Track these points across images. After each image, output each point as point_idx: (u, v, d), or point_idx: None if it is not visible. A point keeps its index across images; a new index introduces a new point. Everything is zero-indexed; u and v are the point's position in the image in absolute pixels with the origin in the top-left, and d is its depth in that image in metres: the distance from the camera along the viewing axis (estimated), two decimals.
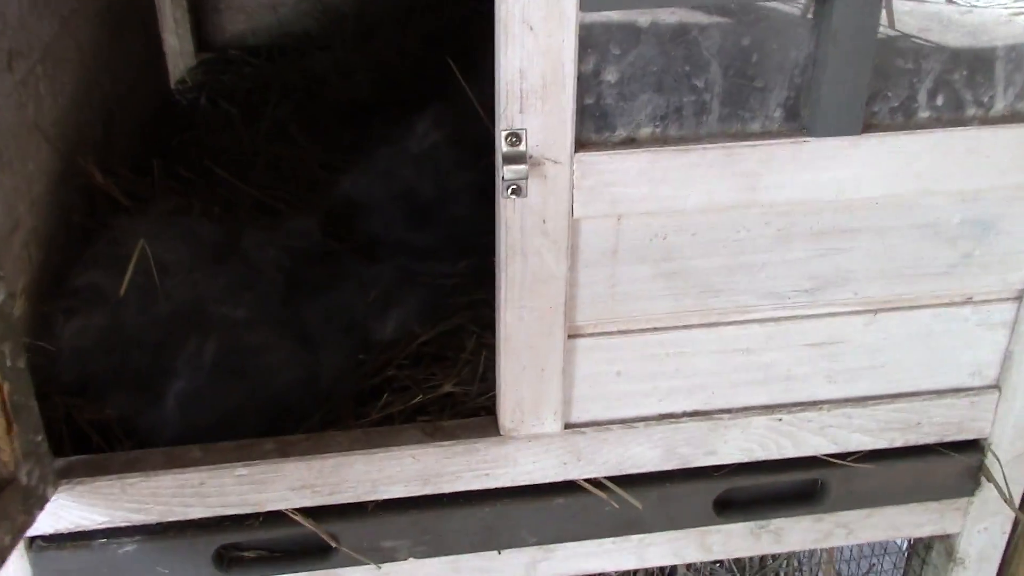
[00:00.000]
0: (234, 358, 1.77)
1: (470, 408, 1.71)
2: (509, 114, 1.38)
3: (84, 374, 1.77)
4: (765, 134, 1.46)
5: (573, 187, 1.43)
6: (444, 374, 1.80)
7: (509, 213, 1.45)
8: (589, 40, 1.36)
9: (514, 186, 1.41)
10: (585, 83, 1.39)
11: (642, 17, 1.37)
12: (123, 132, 2.45)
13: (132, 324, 1.80)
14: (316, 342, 1.83)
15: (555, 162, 1.41)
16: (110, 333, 1.79)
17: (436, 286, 1.97)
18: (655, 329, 1.59)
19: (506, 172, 1.39)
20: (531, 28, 1.32)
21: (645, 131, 1.44)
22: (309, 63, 2.98)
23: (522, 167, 1.39)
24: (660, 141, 1.45)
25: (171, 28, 3.18)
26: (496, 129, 1.41)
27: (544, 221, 1.46)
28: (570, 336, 1.56)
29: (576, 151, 1.41)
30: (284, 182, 2.40)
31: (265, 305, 1.85)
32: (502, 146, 1.39)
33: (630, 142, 1.45)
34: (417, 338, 1.87)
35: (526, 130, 1.38)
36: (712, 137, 1.45)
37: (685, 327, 1.59)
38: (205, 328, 1.80)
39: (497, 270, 1.51)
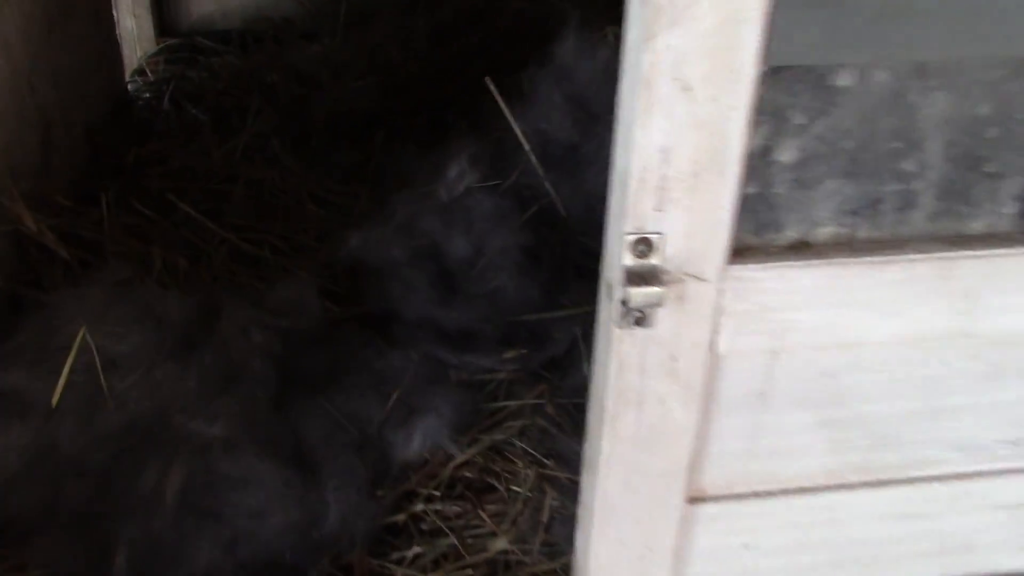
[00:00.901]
0: (207, 494, 1.30)
1: None
2: (638, 212, 0.91)
3: (1, 512, 1.29)
4: (991, 238, 1.01)
5: (720, 313, 0.98)
6: (491, 513, 1.34)
7: (624, 348, 0.99)
8: (762, 105, 0.90)
9: (638, 314, 0.95)
10: (750, 166, 0.93)
11: (844, 73, 0.91)
12: (65, 147, 1.95)
13: (69, 444, 1.33)
14: (317, 468, 1.37)
15: (699, 279, 0.95)
16: (38, 456, 1.32)
17: (475, 385, 1.51)
18: (802, 490, 1.15)
19: (630, 296, 0.93)
20: (687, 89, 0.85)
21: (825, 232, 0.99)
22: (292, 57, 2.48)
23: (653, 290, 0.93)
24: (845, 247, 1.00)
25: (128, 8, 2.67)
26: (611, 230, 0.96)
27: (674, 358, 1.00)
28: (690, 501, 1.12)
29: (729, 262, 0.96)
30: (267, 218, 1.91)
31: (249, 415, 1.38)
32: (621, 257, 0.93)
33: (802, 248, 0.99)
34: (452, 460, 1.42)
35: (663, 235, 0.92)
36: (919, 242, 1.00)
37: (843, 487, 1.16)
38: (168, 450, 1.33)
39: (592, 419, 1.07)
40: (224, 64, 2.50)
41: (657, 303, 0.94)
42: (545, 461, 1.39)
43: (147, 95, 2.43)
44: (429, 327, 1.56)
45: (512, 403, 1.49)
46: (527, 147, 1.68)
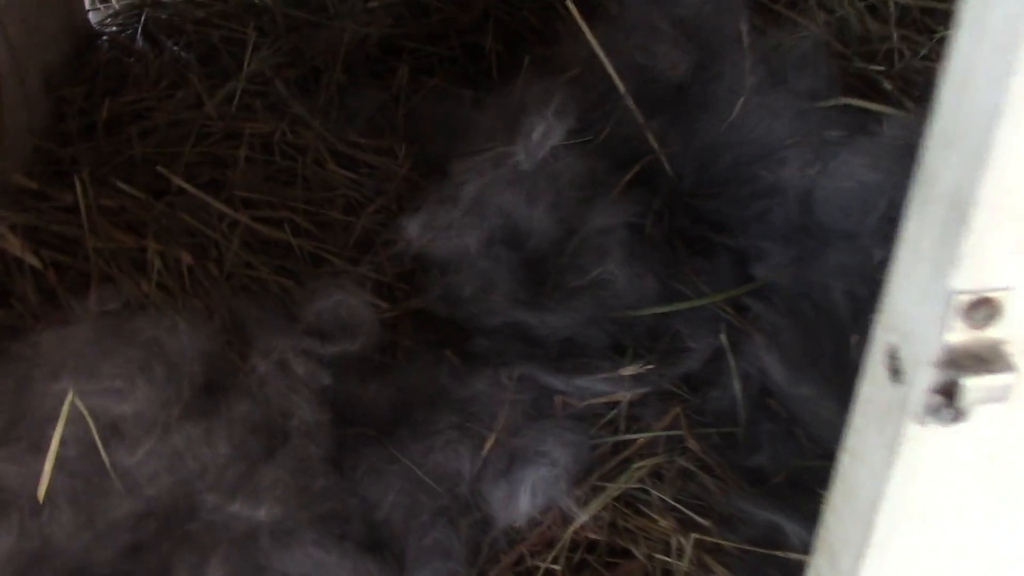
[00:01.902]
0: None
1: None
2: (982, 257, 0.55)
3: None
4: None
5: None
6: None
7: (923, 449, 0.64)
8: None
9: (959, 410, 0.60)
10: None
11: None
12: (20, 105, 1.55)
13: (67, 543, 0.98)
14: (397, 548, 1.03)
15: None
16: (29, 564, 0.98)
17: (588, 414, 1.16)
18: None
19: (962, 389, 0.58)
20: None
21: None
22: None
23: (1000, 380, 0.58)
24: None
25: None
26: (905, 279, 0.60)
27: (992, 457, 0.65)
28: None
29: None
30: (283, 187, 1.53)
31: (303, 486, 1.03)
32: (944, 326, 0.57)
33: None
34: (572, 520, 1.08)
35: (1015, 291, 0.57)
36: None
37: None
38: (201, 543, 0.99)
39: (842, 533, 0.72)
40: None
41: (1001, 396, 0.59)
42: (700, 521, 1.06)
43: (113, 28, 2.00)
44: (517, 336, 1.21)
45: (639, 436, 1.14)
46: (622, 89, 1.30)
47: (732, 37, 1.31)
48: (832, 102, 1.31)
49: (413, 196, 1.41)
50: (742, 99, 1.28)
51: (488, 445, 1.10)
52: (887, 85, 1.46)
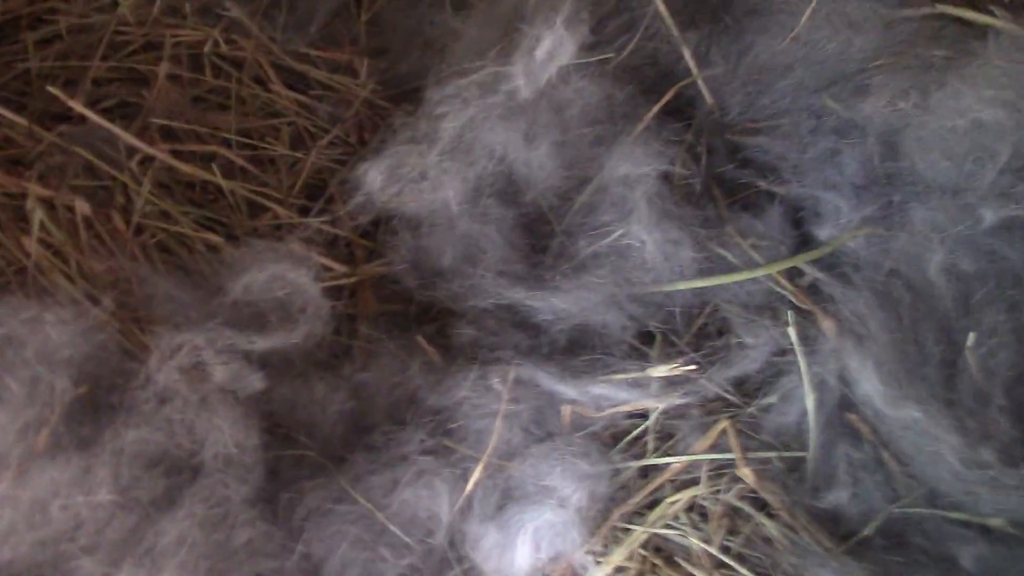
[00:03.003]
0: None
1: None
2: None
3: None
4: None
5: None
6: None
7: None
8: None
9: None
10: None
11: None
12: None
13: None
14: None
15: None
16: None
17: (606, 430, 0.88)
18: None
19: None
20: None
21: None
22: None
23: None
24: None
25: None
26: None
27: None
28: None
29: None
30: (213, 113, 1.22)
31: (219, 543, 0.75)
32: None
33: None
34: None
35: None
36: None
37: None
38: None
39: None
40: None
41: None
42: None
43: None
44: (513, 323, 0.92)
45: (675, 459, 0.86)
46: None
47: None
48: (926, 11, 1.00)
49: (377, 128, 1.10)
50: (812, 4, 0.97)
51: (474, 476, 0.82)
52: None
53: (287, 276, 0.91)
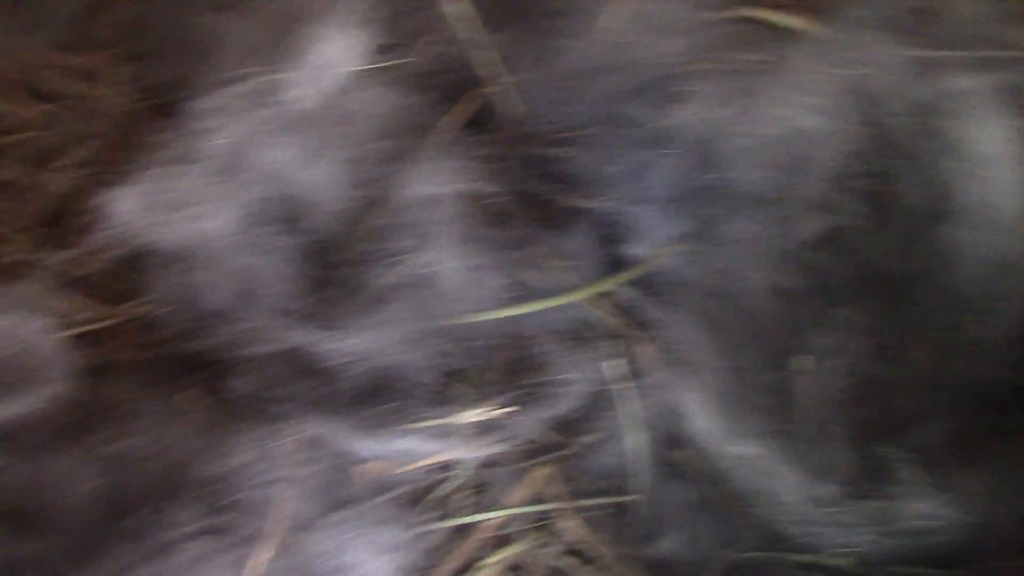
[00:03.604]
0: None
1: None
2: None
3: None
4: None
5: None
6: None
7: None
8: None
9: None
10: None
11: None
12: None
13: None
14: None
15: None
16: None
17: (414, 493, 0.77)
18: None
19: None
20: None
21: None
22: None
23: None
24: None
25: None
26: None
27: None
28: None
29: None
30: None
31: None
32: None
33: None
34: None
35: None
36: None
37: None
38: None
39: None
40: None
41: None
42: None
43: None
44: (298, 370, 0.79)
45: (489, 515, 0.76)
46: None
47: None
48: (731, 13, 0.94)
49: (133, 146, 0.94)
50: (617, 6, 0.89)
51: (258, 558, 0.69)
52: None
53: (21, 327, 0.75)
